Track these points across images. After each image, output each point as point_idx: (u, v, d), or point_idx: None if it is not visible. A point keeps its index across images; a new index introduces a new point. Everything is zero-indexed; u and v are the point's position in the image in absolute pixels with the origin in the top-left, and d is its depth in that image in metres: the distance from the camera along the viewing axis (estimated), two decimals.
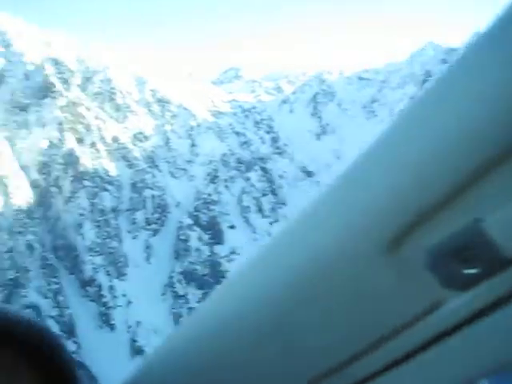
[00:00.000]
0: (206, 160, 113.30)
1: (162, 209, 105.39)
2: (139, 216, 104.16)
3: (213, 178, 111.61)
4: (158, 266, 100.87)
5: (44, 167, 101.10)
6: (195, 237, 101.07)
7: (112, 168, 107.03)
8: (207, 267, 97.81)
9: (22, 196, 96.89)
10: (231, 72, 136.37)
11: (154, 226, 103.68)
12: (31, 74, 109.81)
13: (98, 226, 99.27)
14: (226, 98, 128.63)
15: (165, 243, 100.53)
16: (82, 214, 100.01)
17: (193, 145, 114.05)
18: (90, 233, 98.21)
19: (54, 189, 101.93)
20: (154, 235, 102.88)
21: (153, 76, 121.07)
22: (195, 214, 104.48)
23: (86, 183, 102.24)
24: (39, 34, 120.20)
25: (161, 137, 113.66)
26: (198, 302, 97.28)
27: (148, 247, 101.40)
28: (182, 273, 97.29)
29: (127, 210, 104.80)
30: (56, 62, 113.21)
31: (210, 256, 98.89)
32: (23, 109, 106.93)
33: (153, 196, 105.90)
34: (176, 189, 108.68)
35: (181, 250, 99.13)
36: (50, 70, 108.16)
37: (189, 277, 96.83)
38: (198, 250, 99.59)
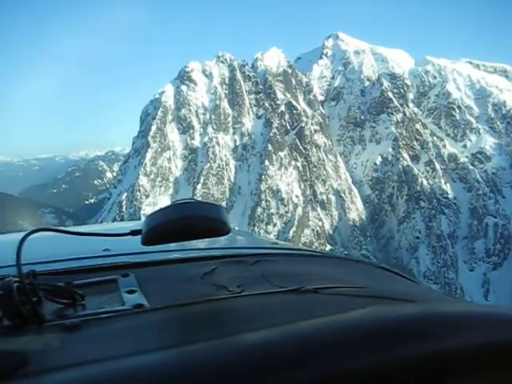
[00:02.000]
0: None
1: (504, 240, 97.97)
2: (478, 246, 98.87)
3: None
4: (496, 304, 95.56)
5: (377, 184, 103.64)
6: None
7: (449, 190, 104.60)
8: None
9: (356, 212, 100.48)
10: None
11: (494, 259, 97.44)
12: (367, 90, 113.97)
13: (434, 252, 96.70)
14: None
15: (507, 279, 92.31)
16: (417, 237, 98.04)
17: None
18: (425, 258, 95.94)
19: (387, 206, 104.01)
20: (495, 269, 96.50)
21: (497, 89, 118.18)
22: None
23: (422, 204, 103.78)
24: (375, 50, 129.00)
25: (505, 158, 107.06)
26: None
27: (487, 282, 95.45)
28: None
29: (464, 238, 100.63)
30: (392, 77, 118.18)
31: None
32: (358, 125, 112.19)
33: (495, 224, 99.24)
34: None
35: None
36: (386, 85, 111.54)
37: None
38: None
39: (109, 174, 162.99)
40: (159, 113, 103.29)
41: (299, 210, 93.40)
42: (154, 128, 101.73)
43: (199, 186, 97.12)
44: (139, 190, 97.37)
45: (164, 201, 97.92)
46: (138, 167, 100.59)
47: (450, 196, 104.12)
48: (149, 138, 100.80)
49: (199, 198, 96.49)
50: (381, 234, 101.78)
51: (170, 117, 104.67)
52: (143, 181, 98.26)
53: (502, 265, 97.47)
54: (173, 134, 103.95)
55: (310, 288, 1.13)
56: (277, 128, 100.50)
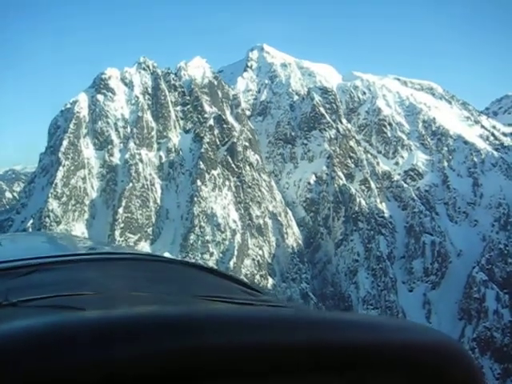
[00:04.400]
0: (492, 202, 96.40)
1: (442, 258, 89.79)
2: (416, 265, 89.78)
3: (504, 225, 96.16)
4: (440, 326, 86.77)
5: (312, 205, 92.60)
6: (492, 296, 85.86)
7: (384, 209, 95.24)
8: (508, 335, 79.08)
9: (293, 236, 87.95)
10: (506, 101, 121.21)
11: (432, 278, 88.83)
12: (297, 105, 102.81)
13: (374, 275, 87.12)
14: (506, 130, 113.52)
15: (446, 299, 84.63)
16: (356, 260, 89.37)
17: (475, 184, 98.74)
18: (365, 282, 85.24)
19: (322, 229, 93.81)
20: (433, 288, 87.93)
21: (425, 106, 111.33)
22: (488, 267, 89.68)
23: (361, 225, 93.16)
24: (301, 65, 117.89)
25: (437, 174, 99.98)
26: (498, 378, 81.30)
27: (427, 302, 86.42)
28: (475, 339, 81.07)
29: (402, 258, 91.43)
30: (324, 92, 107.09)
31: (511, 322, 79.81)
32: (288, 141, 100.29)
33: (432, 242, 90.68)
34: (457, 235, 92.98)
35: (472, 311, 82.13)
36: (317, 100, 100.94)
37: (485, 345, 78.88)
38: (496, 312, 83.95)
39: (8, 195, 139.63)
40: (71, 125, 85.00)
41: (238, 237, 79.22)
42: (65, 143, 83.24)
43: (121, 210, 79.68)
44: (49, 216, 78.51)
45: (79, 228, 79.62)
46: (47, 188, 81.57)
47: (386, 215, 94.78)
48: (59, 155, 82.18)
49: (122, 224, 79.55)
50: (317, 259, 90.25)
51: (84, 130, 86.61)
52: (53, 204, 79.45)
53: (441, 284, 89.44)
54: (88, 149, 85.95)
55: (13, 301, 1.04)
56: (208, 143, 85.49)
